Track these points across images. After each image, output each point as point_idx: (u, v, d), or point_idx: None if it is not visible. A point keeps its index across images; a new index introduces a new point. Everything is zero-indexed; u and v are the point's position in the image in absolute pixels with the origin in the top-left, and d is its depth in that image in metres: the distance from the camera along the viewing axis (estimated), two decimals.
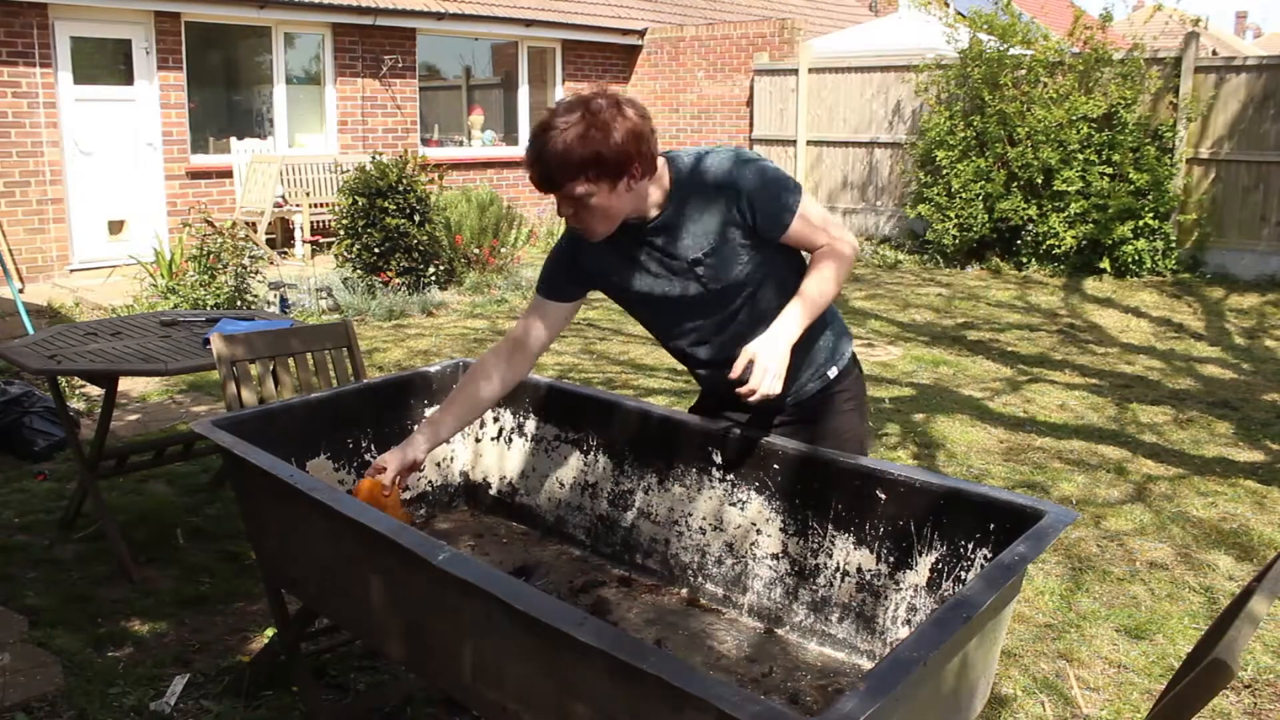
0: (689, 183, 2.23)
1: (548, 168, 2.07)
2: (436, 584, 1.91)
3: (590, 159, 2.05)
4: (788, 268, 2.32)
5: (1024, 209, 10.03)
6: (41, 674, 2.94)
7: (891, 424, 5.35)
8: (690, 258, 2.24)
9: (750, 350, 2.12)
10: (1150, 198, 9.63)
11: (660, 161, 2.21)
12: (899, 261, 10.88)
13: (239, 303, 7.41)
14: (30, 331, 6.71)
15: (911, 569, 2.21)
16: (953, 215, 10.37)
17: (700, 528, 2.59)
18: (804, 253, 2.35)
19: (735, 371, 2.12)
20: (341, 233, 8.59)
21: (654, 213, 2.24)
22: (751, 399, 2.10)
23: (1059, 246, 9.85)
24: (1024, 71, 10.22)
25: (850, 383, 2.47)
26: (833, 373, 2.44)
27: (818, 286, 2.21)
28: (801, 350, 2.29)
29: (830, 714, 1.34)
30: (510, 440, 3.09)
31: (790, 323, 2.17)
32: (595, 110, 2.06)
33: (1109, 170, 9.76)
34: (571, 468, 2.91)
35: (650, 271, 2.30)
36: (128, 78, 9.70)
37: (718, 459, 2.54)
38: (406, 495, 3.07)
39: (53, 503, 4.25)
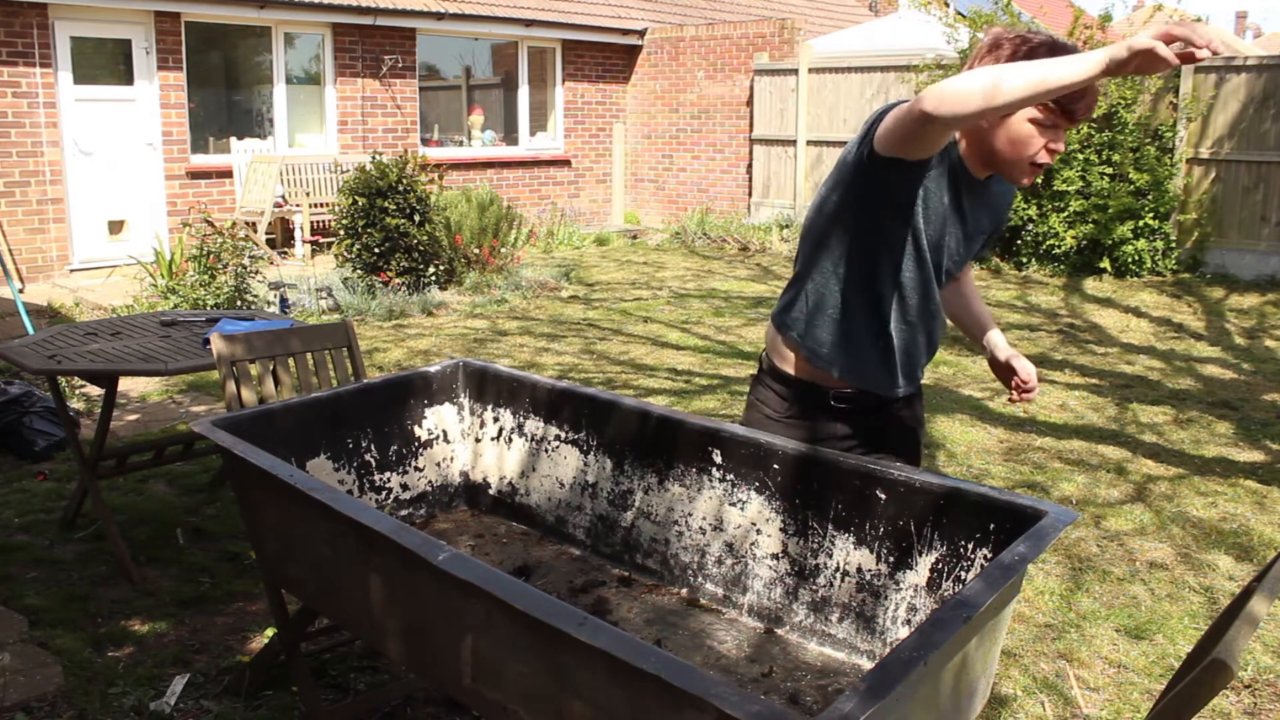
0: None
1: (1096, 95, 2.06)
2: (437, 584, 1.91)
3: None
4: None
5: (1024, 209, 10.03)
6: (41, 674, 2.94)
7: None
8: (968, 231, 2.25)
9: (1029, 366, 2.37)
10: (1150, 198, 9.63)
11: None
12: None
13: (239, 303, 7.41)
14: (30, 331, 6.71)
15: (911, 569, 2.21)
16: None
17: (700, 528, 2.59)
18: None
19: (1027, 375, 2.36)
20: (341, 233, 8.59)
21: (983, 174, 2.21)
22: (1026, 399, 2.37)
23: (1059, 246, 9.85)
24: None
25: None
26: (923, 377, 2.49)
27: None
28: (929, 353, 2.37)
29: (830, 714, 1.34)
30: (510, 440, 3.08)
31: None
32: None
33: (1109, 170, 9.76)
34: (571, 468, 2.91)
35: (942, 214, 2.20)
36: (128, 78, 9.70)
37: (717, 459, 2.54)
38: (407, 496, 3.07)
39: (53, 503, 4.25)
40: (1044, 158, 2.06)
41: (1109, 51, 1.68)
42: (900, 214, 2.13)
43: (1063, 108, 2.00)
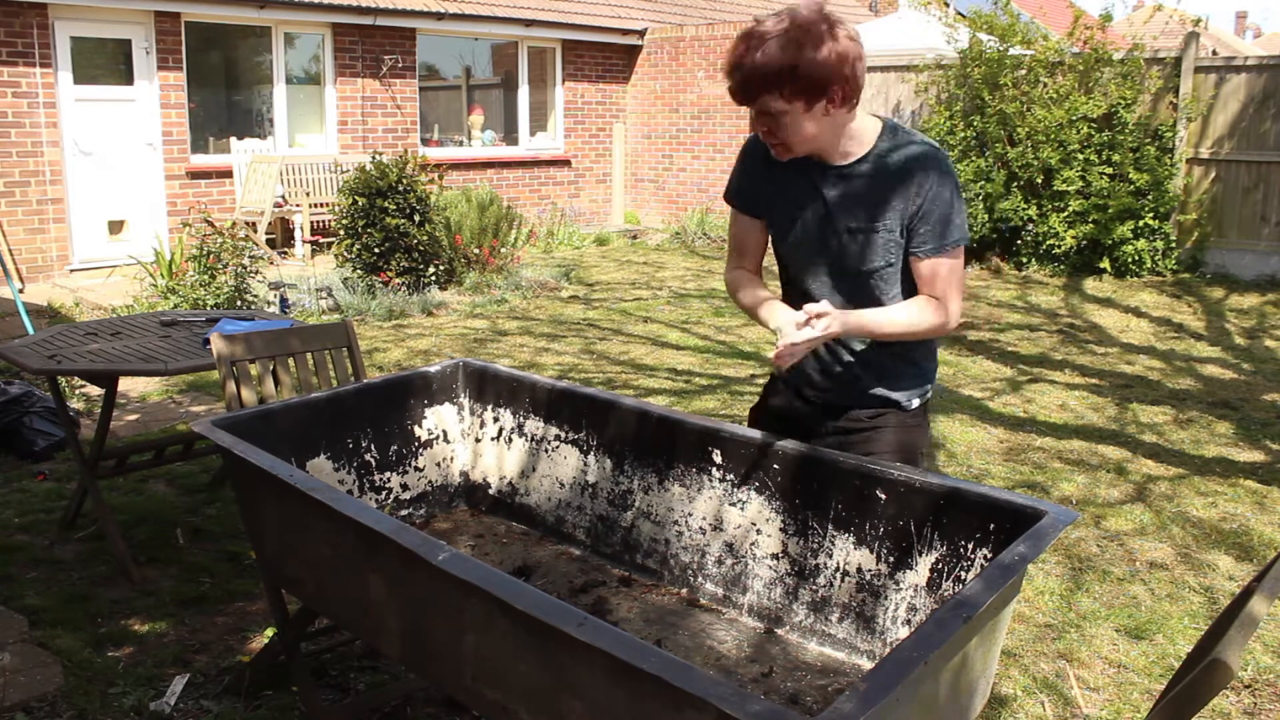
0: (891, 153, 2.16)
1: (746, 77, 1.99)
2: (437, 584, 1.91)
3: (789, 72, 1.97)
4: (905, 290, 2.23)
5: (1024, 209, 10.03)
6: (41, 674, 2.94)
7: None
8: (848, 225, 2.17)
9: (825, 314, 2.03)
10: (1150, 198, 9.63)
11: (872, 118, 2.18)
12: None
13: (239, 303, 7.41)
14: (30, 331, 6.71)
15: (911, 569, 2.21)
16: None
17: (700, 528, 2.59)
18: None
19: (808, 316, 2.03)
20: (341, 233, 8.59)
21: (840, 160, 2.17)
22: (778, 362, 2.04)
23: (1059, 246, 9.85)
24: (1024, 72, 10.23)
25: (920, 418, 2.37)
26: (915, 404, 2.34)
27: (892, 315, 2.16)
28: (896, 363, 2.28)
29: (830, 714, 1.34)
30: (510, 440, 3.08)
31: (847, 322, 2.08)
32: (803, 24, 1.97)
33: (1109, 170, 9.76)
34: (571, 468, 2.91)
35: (807, 212, 2.20)
36: (128, 78, 9.70)
37: (717, 459, 2.54)
38: (407, 496, 3.07)
39: (53, 503, 4.25)
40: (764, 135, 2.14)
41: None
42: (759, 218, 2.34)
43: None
